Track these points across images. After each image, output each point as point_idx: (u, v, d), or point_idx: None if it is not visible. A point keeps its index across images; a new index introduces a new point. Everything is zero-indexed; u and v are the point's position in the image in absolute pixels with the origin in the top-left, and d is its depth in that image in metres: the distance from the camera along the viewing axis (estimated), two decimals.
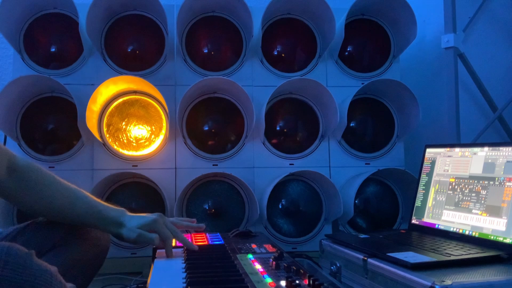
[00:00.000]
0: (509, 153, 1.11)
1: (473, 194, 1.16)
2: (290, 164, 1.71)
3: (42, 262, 0.68)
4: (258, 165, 1.69)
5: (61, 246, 1.02)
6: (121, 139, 1.66)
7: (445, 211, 1.23)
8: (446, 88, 1.69)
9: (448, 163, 1.28)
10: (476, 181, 1.16)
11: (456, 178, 1.23)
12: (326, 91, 1.61)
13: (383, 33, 1.82)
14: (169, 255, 0.97)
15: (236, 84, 1.56)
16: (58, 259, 0.99)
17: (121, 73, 1.65)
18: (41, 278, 0.65)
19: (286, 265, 0.84)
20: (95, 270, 1.09)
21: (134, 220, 0.96)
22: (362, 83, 1.69)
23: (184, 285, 0.74)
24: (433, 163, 1.33)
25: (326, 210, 1.70)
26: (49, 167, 1.59)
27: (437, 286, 0.78)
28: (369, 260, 1.01)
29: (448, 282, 0.79)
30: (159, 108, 1.68)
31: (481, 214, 1.11)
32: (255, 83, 1.72)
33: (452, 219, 1.19)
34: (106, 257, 1.10)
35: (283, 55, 1.79)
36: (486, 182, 1.13)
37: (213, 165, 1.67)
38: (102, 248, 1.07)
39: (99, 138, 1.58)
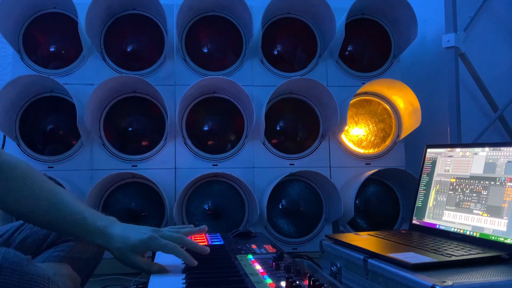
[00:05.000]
0: (510, 153, 1.10)
1: (474, 195, 1.15)
2: (290, 164, 1.70)
3: (40, 267, 0.67)
4: (258, 165, 1.68)
5: (58, 244, 1.02)
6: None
7: (446, 212, 1.22)
8: (447, 88, 1.68)
9: (449, 163, 1.27)
10: (477, 182, 1.16)
11: (457, 178, 1.22)
12: (326, 91, 1.60)
13: (383, 32, 1.82)
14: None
15: (236, 84, 1.56)
16: (56, 257, 0.99)
17: (120, 73, 1.64)
18: (38, 283, 0.65)
19: (286, 265, 0.84)
20: (93, 268, 1.08)
21: (125, 235, 0.83)
22: (363, 83, 1.69)
23: (184, 286, 0.74)
24: (433, 163, 1.32)
25: (326, 210, 1.69)
26: (48, 167, 1.58)
27: (438, 287, 0.78)
28: (370, 260, 1.01)
29: (449, 282, 0.79)
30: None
31: (482, 215, 1.11)
32: (255, 83, 1.72)
33: (453, 220, 1.19)
34: (106, 257, 1.10)
35: (283, 54, 1.78)
36: (487, 182, 1.13)
37: (213, 165, 1.66)
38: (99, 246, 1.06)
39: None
